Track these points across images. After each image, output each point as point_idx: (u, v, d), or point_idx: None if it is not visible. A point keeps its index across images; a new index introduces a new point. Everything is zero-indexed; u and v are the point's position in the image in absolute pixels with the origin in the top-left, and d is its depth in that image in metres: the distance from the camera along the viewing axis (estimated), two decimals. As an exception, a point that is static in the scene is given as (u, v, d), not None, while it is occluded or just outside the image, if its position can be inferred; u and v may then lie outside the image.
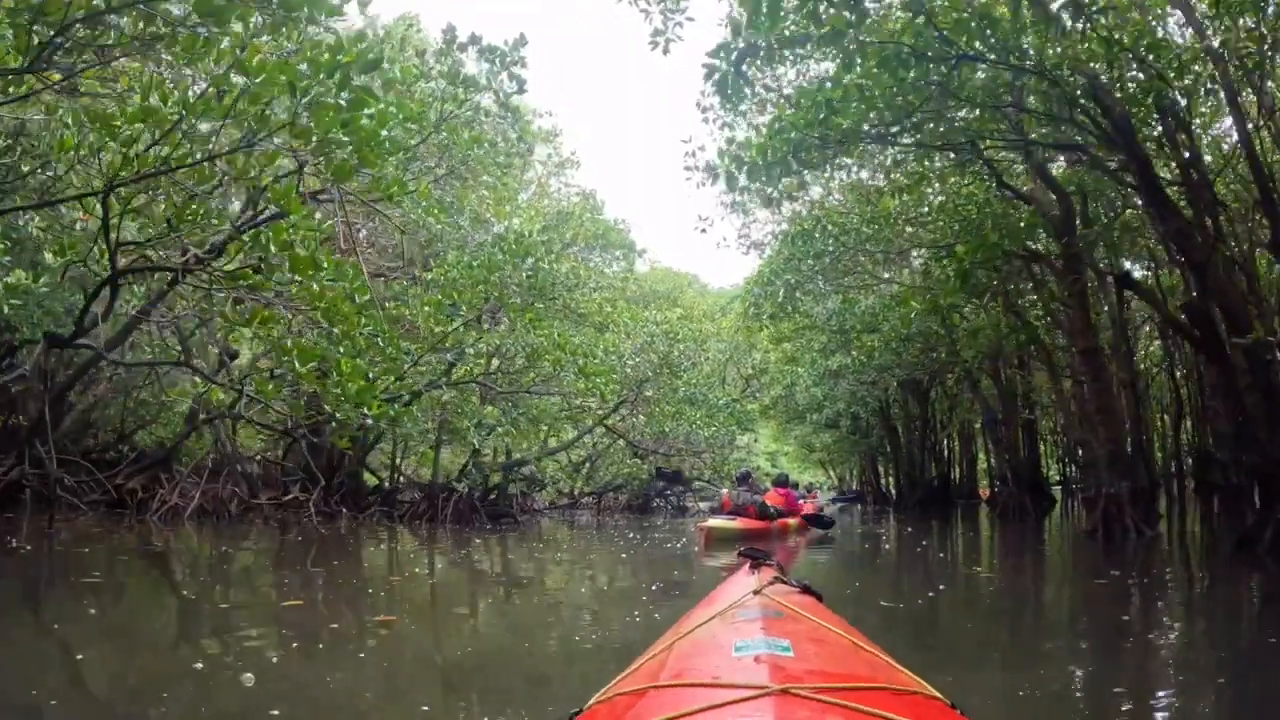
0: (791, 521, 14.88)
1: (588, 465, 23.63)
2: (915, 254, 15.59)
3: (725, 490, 14.58)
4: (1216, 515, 18.13)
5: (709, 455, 21.67)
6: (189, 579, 8.09)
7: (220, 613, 6.31)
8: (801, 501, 17.76)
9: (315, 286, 8.03)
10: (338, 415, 9.28)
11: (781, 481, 16.58)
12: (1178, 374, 22.38)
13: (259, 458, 20.72)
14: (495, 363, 15.51)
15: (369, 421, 9.32)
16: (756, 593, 2.41)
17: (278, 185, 8.62)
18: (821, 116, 7.52)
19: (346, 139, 7.50)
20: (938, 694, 1.85)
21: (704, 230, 15.64)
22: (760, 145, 7.68)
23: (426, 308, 13.35)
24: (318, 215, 13.79)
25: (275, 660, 4.59)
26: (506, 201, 14.05)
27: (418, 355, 12.98)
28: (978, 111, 8.72)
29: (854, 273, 14.68)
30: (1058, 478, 30.90)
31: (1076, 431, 15.03)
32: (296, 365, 8.91)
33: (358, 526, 14.66)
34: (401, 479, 20.53)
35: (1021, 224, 9.21)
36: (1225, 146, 13.34)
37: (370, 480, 20.57)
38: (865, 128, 8.95)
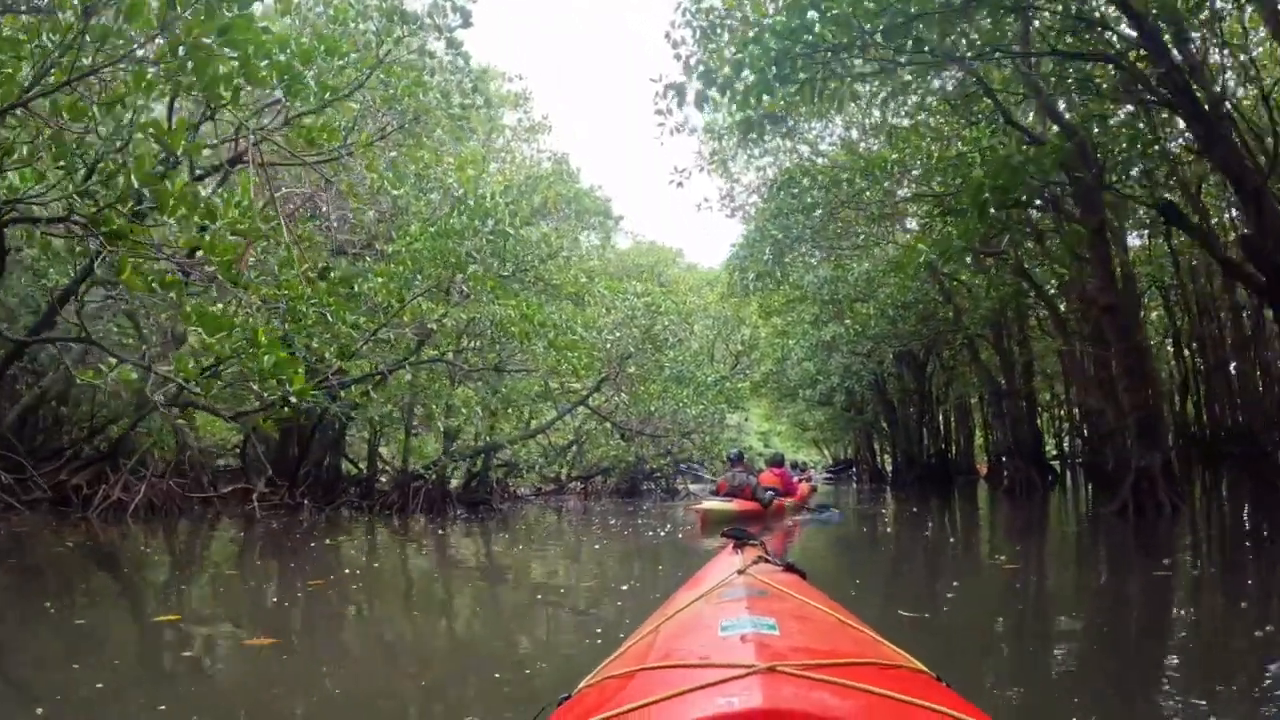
0: (788, 502, 14.10)
1: (574, 449, 22.20)
2: (911, 213, 14.13)
3: (722, 478, 13.75)
4: (1224, 487, 16.76)
5: (698, 436, 20.20)
6: (70, 587, 6.67)
7: (71, 633, 4.89)
8: (797, 481, 16.81)
9: (208, 236, 6.59)
10: (265, 394, 7.88)
11: (777, 462, 15.95)
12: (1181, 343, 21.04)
13: (237, 449, 19.39)
14: (466, 341, 14.05)
15: (292, 400, 7.88)
16: (741, 572, 2.34)
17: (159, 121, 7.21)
18: (808, 19, 6.05)
19: (231, 54, 6.12)
20: (924, 668, 1.80)
21: (680, 184, 13.97)
22: (737, 58, 6.20)
23: (380, 278, 11.90)
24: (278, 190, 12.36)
25: (69, 703, 3.18)
26: (471, 165, 12.53)
27: (370, 331, 11.53)
28: (987, 22, 7.24)
29: (847, 234, 13.16)
30: (1053, 452, 29.48)
31: (1093, 399, 13.58)
32: (204, 335, 7.47)
33: (320, 520, 13.24)
34: (387, 468, 19.06)
35: (1048, 154, 7.67)
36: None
37: (352, 470, 19.14)
38: (858, 55, 7.52)
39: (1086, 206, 10.12)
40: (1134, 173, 9.76)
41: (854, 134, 15.54)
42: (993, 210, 7.91)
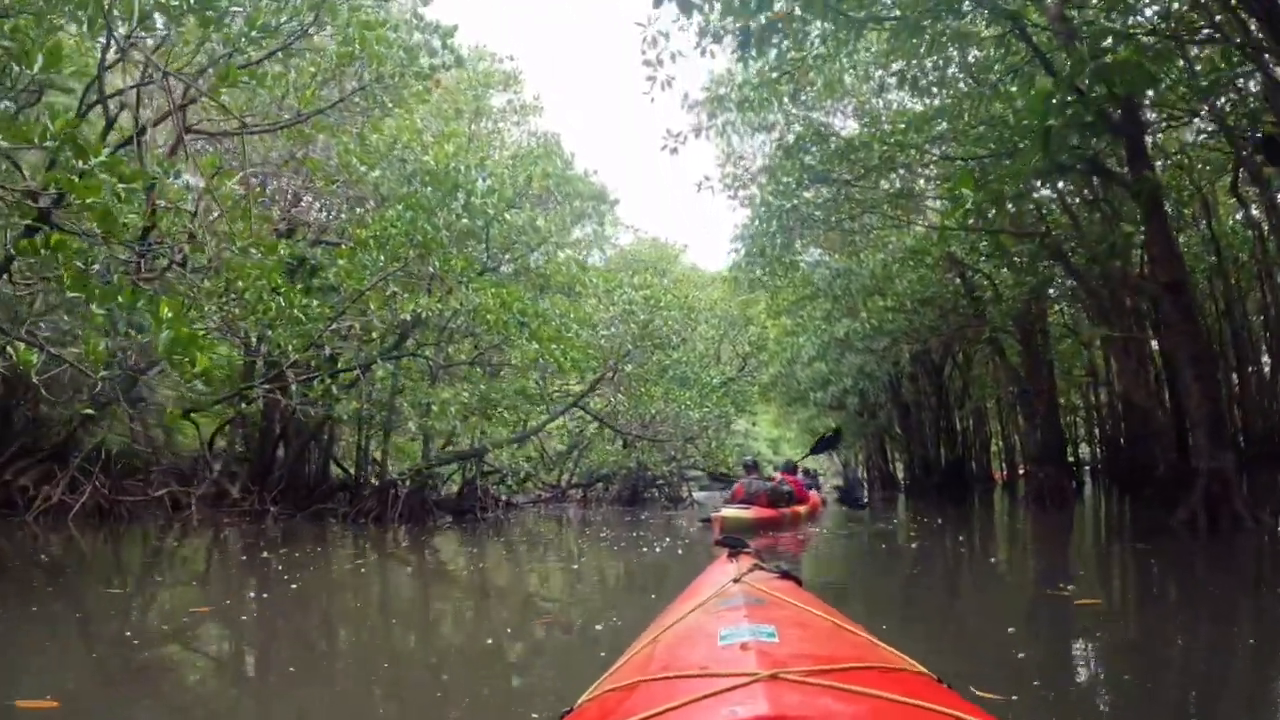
0: (802, 509, 13.56)
1: (575, 454, 20.64)
2: (936, 187, 12.54)
3: (739, 484, 13.14)
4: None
5: (702, 441, 18.59)
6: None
7: None
8: (810, 490, 15.68)
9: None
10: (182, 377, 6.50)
11: (789, 469, 15.22)
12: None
13: (225, 450, 18.08)
14: (442, 335, 12.57)
15: (198, 385, 6.43)
16: (737, 580, 2.28)
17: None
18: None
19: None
20: (924, 669, 1.74)
21: (674, 150, 11.89)
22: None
23: (341, 261, 10.45)
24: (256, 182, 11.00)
25: None
26: (451, 140, 11.09)
27: (330, 318, 10.08)
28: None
29: (863, 213, 11.51)
30: (1070, 457, 27.51)
31: (1139, 395, 11.93)
32: (94, 309, 6.09)
33: (285, 529, 11.77)
34: (379, 471, 17.55)
35: (1131, 53, 5.99)
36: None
37: (341, 475, 17.65)
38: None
39: (1134, 167, 8.57)
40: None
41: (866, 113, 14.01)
42: (1056, 147, 6.30)
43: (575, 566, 8.10)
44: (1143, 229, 8.38)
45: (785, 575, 2.48)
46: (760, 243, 10.39)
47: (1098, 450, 25.53)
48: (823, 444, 18.29)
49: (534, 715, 2.97)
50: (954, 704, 1.48)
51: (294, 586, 6.29)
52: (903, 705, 1.38)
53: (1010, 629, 4.35)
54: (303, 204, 14.63)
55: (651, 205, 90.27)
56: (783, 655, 1.56)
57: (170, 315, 6.45)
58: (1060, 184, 12.47)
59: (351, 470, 17.53)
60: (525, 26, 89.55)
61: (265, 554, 8.36)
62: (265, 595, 5.88)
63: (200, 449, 17.04)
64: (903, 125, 9.16)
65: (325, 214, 15.15)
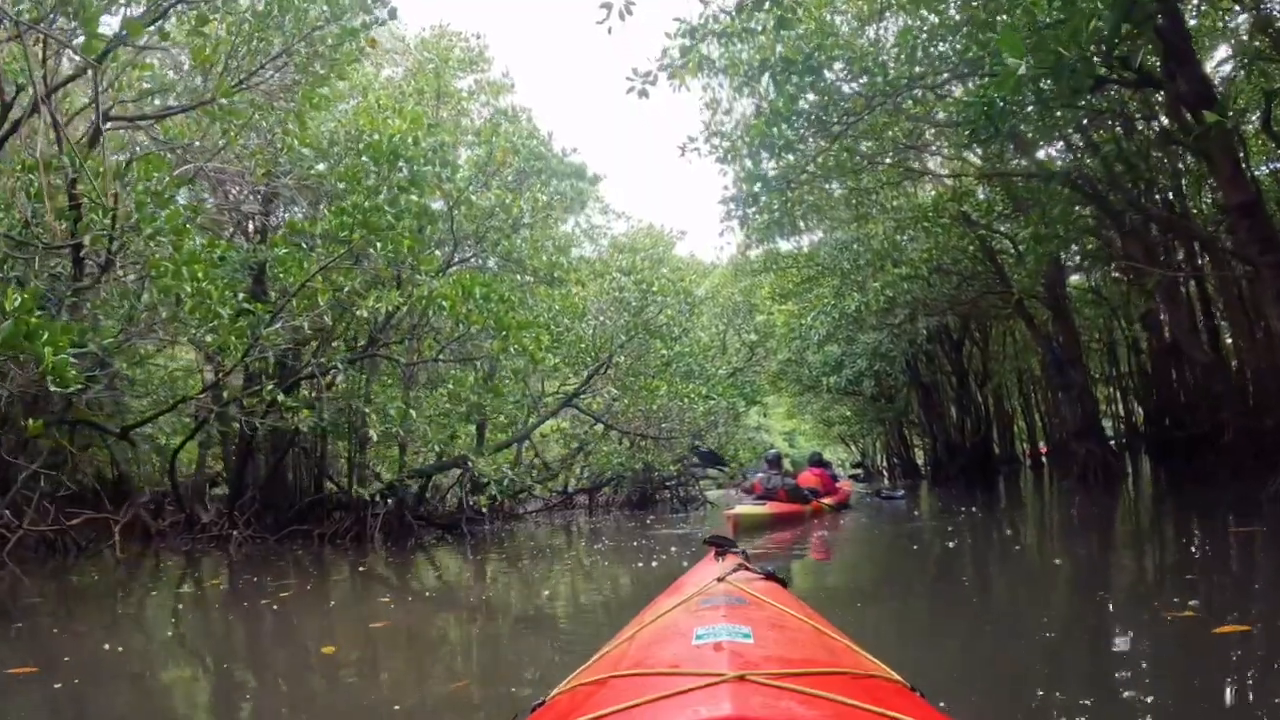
0: (826, 503, 12.45)
1: (581, 457, 19.12)
2: (939, 144, 11.00)
3: (758, 476, 12.30)
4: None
5: (712, 437, 17.03)
6: None
7: None
8: (837, 483, 14.46)
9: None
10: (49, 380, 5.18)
11: (815, 461, 14.27)
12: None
13: (221, 475, 16.78)
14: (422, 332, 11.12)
15: (52, 388, 5.00)
16: (720, 580, 2.21)
17: None
18: None
19: None
20: (898, 677, 1.65)
21: (643, 93, 9.78)
22: None
23: (278, 250, 9.03)
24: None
25: None
26: (401, 116, 9.66)
27: (268, 316, 8.65)
28: None
29: (873, 161, 9.90)
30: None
31: (1198, 352, 10.28)
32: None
33: (246, 555, 10.38)
34: (371, 485, 16.06)
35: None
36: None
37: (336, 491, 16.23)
38: None
39: (1183, 75, 7.00)
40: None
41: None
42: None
43: (546, 593, 6.54)
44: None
45: (770, 576, 2.40)
46: (750, 182, 8.74)
47: (1120, 424, 23.71)
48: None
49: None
50: (921, 712, 1.45)
51: (168, 634, 4.81)
52: (868, 712, 1.32)
53: (1126, 692, 2.73)
54: (274, 206, 13.24)
55: (645, 196, 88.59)
56: (755, 657, 1.51)
57: (14, 303, 5.12)
58: (1085, 131, 10.92)
59: (338, 484, 16.15)
60: (515, 22, 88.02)
61: (184, 588, 6.92)
62: (120, 649, 4.41)
63: (196, 472, 15.75)
64: (905, 53, 7.60)
65: (300, 216, 13.78)
